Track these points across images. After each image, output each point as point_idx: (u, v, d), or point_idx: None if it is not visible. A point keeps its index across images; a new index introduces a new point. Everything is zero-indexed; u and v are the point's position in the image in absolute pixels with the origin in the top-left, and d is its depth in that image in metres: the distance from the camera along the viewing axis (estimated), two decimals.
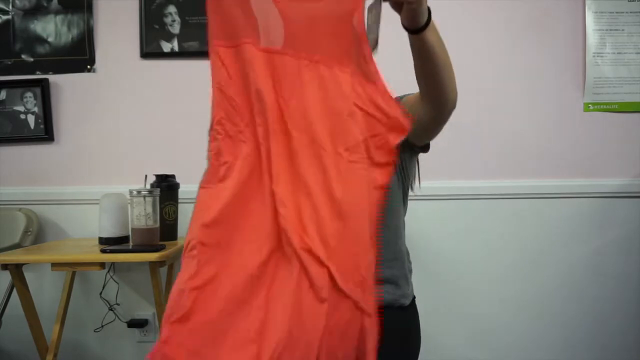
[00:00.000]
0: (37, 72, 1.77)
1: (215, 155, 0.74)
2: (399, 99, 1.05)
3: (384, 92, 0.72)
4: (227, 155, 0.73)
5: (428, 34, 0.82)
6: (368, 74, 0.71)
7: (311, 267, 0.63)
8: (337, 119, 0.69)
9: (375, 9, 0.79)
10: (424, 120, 0.97)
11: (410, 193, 1.14)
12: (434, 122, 0.98)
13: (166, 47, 1.74)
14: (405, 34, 0.82)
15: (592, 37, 1.73)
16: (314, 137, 0.69)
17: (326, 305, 0.62)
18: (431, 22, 0.82)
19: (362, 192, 0.68)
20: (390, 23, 0.83)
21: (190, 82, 1.75)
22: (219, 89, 0.76)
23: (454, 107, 0.95)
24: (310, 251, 0.63)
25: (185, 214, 1.69)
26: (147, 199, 1.41)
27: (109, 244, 1.46)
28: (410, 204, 1.16)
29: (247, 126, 0.73)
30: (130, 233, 1.45)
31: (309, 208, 0.66)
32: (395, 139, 0.72)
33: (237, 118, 0.74)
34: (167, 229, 1.54)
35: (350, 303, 0.64)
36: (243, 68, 0.74)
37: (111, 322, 1.72)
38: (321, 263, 0.63)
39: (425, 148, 1.08)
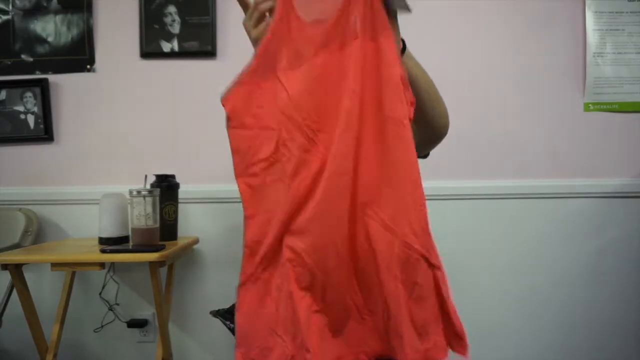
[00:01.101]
0: (37, 72, 1.77)
1: (291, 176, 0.73)
2: None
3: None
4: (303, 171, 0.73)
5: (405, 60, 0.82)
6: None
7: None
8: (393, 86, 0.72)
9: None
10: (417, 141, 0.98)
11: None
12: (428, 143, 0.99)
13: (166, 47, 1.74)
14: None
15: (592, 37, 1.73)
16: (381, 109, 0.72)
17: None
18: (407, 50, 0.83)
19: (414, 157, 0.73)
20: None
21: (190, 82, 1.75)
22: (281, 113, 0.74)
23: (445, 131, 0.95)
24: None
25: (185, 214, 1.69)
26: (147, 199, 1.41)
27: (109, 244, 1.46)
28: None
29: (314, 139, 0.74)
30: (130, 233, 1.45)
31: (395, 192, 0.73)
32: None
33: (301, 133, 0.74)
34: (167, 229, 1.53)
35: (423, 262, 0.71)
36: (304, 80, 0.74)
37: (111, 322, 1.72)
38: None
39: (425, 155, 1.09)
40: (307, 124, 0.72)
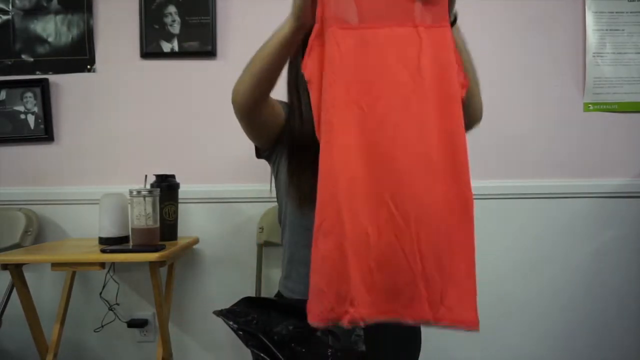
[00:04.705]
0: (37, 72, 1.77)
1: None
2: None
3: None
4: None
5: (454, 32, 0.87)
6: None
7: None
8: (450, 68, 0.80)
9: None
10: None
11: None
12: None
13: (166, 47, 1.74)
14: None
15: (592, 37, 1.73)
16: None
17: None
18: (455, 25, 0.89)
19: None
20: None
21: (190, 82, 1.75)
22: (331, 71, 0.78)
23: (477, 124, 1.02)
24: None
25: (185, 214, 1.69)
26: (147, 199, 1.41)
27: (109, 244, 1.46)
28: None
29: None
30: (130, 233, 1.45)
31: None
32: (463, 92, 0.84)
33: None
34: (167, 229, 1.53)
35: None
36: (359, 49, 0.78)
37: (111, 322, 1.72)
38: None
39: None
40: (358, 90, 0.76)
